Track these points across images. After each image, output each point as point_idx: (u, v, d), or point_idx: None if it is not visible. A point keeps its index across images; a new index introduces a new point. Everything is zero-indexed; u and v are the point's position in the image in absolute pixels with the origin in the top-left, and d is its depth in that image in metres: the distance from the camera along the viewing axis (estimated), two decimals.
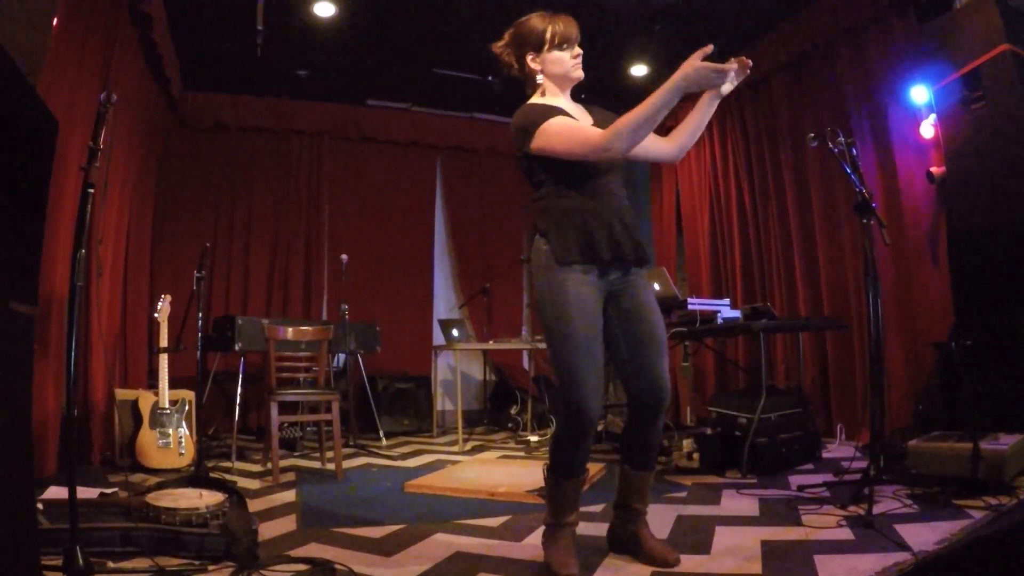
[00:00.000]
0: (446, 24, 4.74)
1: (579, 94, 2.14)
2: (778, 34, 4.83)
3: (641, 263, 2.03)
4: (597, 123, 2.05)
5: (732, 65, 1.78)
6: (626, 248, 1.97)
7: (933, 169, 3.71)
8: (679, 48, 5.03)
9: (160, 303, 3.88)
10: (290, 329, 3.78)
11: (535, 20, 2.03)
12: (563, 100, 2.06)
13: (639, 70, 5.51)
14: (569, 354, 1.88)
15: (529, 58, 2.03)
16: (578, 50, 2.04)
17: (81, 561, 1.70)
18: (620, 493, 2.13)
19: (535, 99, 2.07)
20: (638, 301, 2.02)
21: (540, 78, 2.04)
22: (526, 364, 6.26)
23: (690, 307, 3.79)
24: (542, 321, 1.97)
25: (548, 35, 1.99)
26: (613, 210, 1.97)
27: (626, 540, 2.10)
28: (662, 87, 1.74)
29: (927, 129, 3.79)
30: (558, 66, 2.02)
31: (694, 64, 1.71)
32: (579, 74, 2.04)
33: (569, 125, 1.90)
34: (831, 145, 2.77)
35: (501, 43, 2.10)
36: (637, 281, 2.04)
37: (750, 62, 1.82)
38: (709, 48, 1.74)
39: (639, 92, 5.80)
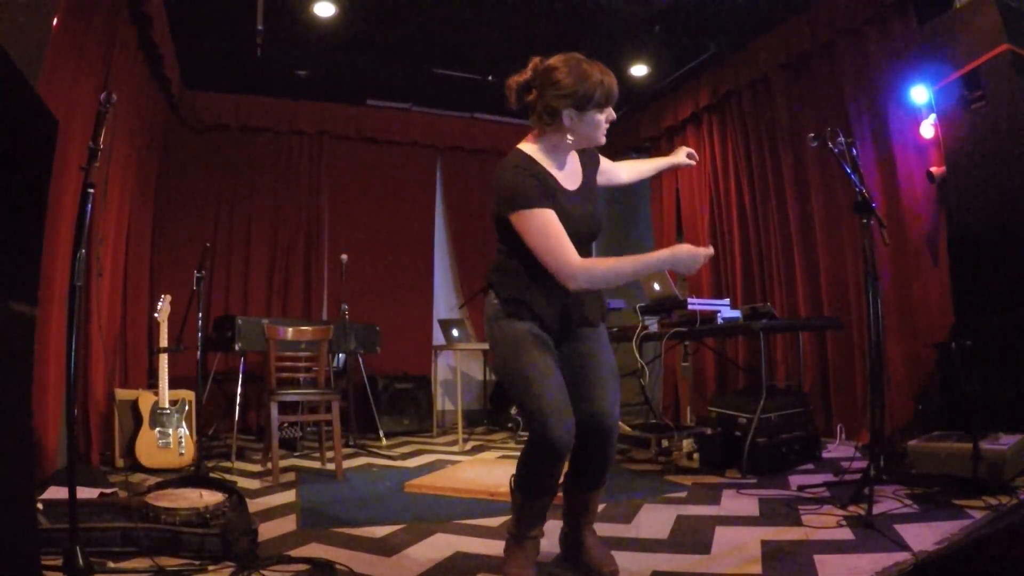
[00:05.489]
0: (446, 24, 4.74)
1: None
2: (778, 34, 4.83)
3: (587, 326, 2.01)
4: (585, 185, 1.98)
5: (710, 251, 1.80)
6: (571, 318, 1.97)
7: (933, 169, 3.71)
8: (679, 48, 5.13)
9: (160, 303, 3.88)
10: (290, 329, 3.78)
11: (591, 72, 1.79)
12: (559, 157, 1.93)
13: (639, 70, 5.51)
14: (529, 379, 1.82)
15: (566, 113, 1.81)
16: (612, 113, 1.86)
17: (81, 561, 1.71)
18: (566, 505, 2.07)
19: (529, 146, 1.91)
20: (583, 351, 1.99)
21: (569, 138, 1.87)
22: None
23: (690, 307, 3.79)
24: (498, 364, 1.96)
25: (597, 94, 1.79)
26: (559, 285, 1.83)
27: (571, 545, 2.06)
28: (651, 259, 1.81)
29: (927, 129, 3.79)
30: (591, 128, 1.85)
31: (687, 251, 1.76)
32: (602, 141, 1.90)
33: (552, 233, 1.77)
34: (831, 145, 2.77)
35: (524, 78, 1.86)
36: (587, 337, 2.00)
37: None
38: (711, 251, 1.80)
39: (639, 92, 5.86)
